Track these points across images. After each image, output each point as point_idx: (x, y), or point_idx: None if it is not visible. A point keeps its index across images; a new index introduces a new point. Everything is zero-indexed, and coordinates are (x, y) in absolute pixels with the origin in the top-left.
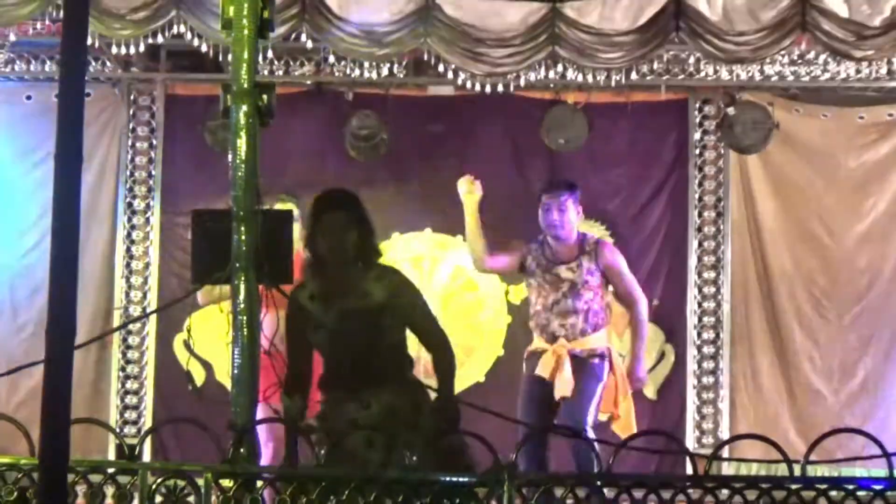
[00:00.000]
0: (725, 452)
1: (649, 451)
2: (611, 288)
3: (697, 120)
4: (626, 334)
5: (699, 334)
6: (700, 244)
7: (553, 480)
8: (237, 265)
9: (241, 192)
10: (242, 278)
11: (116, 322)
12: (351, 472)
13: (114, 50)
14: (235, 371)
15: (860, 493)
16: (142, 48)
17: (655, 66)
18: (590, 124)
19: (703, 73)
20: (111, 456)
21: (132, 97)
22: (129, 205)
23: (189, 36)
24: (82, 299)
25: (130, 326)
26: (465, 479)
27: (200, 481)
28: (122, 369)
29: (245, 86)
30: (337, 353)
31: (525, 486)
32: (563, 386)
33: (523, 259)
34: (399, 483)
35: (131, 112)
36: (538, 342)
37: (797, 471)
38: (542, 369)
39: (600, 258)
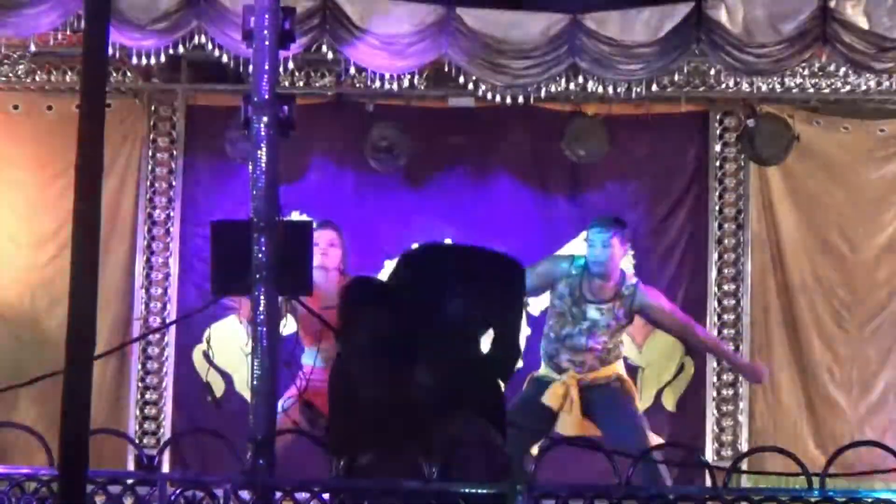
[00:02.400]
0: (744, 465)
1: (668, 463)
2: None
3: (718, 132)
4: (645, 346)
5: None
6: (720, 256)
7: (572, 492)
8: (257, 276)
9: (261, 202)
10: (262, 290)
11: (136, 333)
12: (371, 484)
13: (134, 60)
14: (255, 382)
15: None
16: (163, 59)
17: (676, 77)
18: (610, 136)
19: (723, 86)
20: (130, 467)
21: (153, 108)
22: (150, 215)
23: (210, 47)
24: (102, 310)
25: (150, 337)
26: (484, 490)
27: (219, 492)
28: (142, 380)
29: (266, 97)
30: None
31: (543, 497)
32: (570, 425)
33: (555, 278)
34: (419, 494)
35: (152, 123)
36: (545, 370)
37: (816, 483)
38: (550, 399)
39: (636, 301)
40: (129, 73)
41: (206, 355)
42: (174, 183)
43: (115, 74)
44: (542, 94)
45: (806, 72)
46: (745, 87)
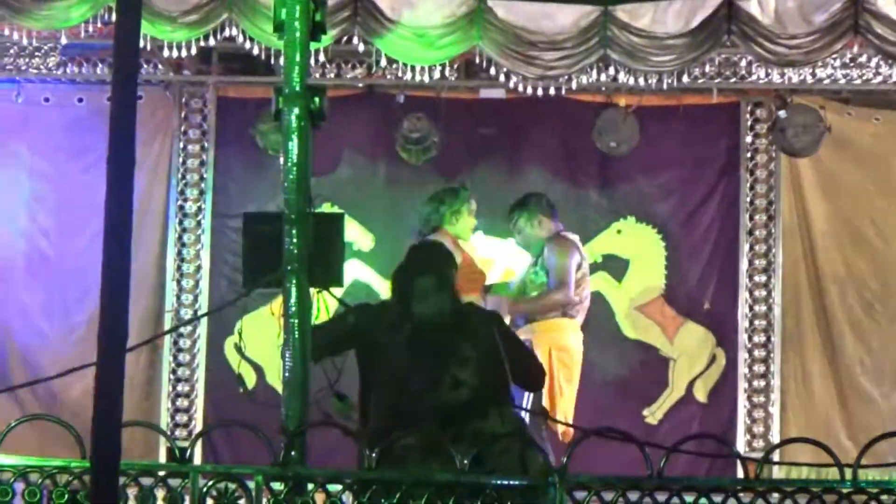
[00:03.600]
0: (776, 456)
1: (700, 454)
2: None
3: (749, 123)
4: (677, 337)
5: (750, 338)
6: (751, 247)
7: (604, 483)
8: (288, 268)
9: (293, 194)
10: (294, 281)
11: (167, 325)
12: (403, 475)
13: (165, 53)
14: (286, 374)
15: None
16: (193, 51)
17: (707, 69)
18: (641, 127)
19: (754, 77)
20: (162, 459)
21: (184, 100)
22: (181, 207)
23: (241, 39)
24: (133, 302)
25: (182, 329)
26: (517, 482)
27: (251, 484)
28: (173, 372)
29: (297, 88)
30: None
31: (576, 489)
32: None
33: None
34: (451, 486)
35: (183, 115)
36: None
37: (848, 475)
38: None
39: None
40: (160, 66)
41: (237, 347)
42: (205, 175)
43: (146, 66)
44: (574, 85)
45: (837, 62)
46: (776, 77)
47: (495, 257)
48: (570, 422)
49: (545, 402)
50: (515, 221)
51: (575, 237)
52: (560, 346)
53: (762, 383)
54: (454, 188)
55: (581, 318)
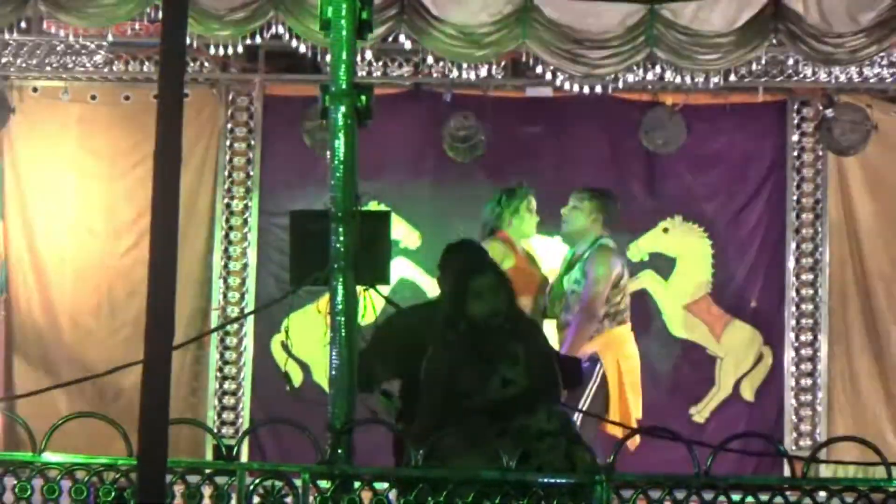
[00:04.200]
0: (823, 455)
1: (747, 452)
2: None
3: (795, 122)
4: (723, 336)
5: (797, 336)
6: (798, 246)
7: (651, 482)
8: (335, 266)
9: (340, 192)
10: (340, 279)
11: (214, 323)
12: (449, 473)
13: (212, 51)
14: (333, 372)
15: None
16: (240, 49)
17: (754, 67)
18: (688, 126)
19: (801, 75)
20: (208, 457)
21: (230, 98)
22: (227, 206)
23: (287, 37)
24: (180, 300)
25: (228, 327)
26: (563, 480)
27: (298, 482)
28: (220, 370)
29: (343, 87)
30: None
31: (622, 488)
32: None
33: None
34: (497, 484)
35: (229, 113)
36: None
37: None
38: None
39: (589, 262)
40: (206, 63)
41: (284, 345)
42: (252, 173)
43: (192, 64)
44: (620, 83)
45: (884, 61)
46: (822, 76)
47: (542, 256)
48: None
49: (616, 412)
50: (573, 207)
51: (614, 245)
52: (625, 354)
53: (809, 382)
54: (511, 187)
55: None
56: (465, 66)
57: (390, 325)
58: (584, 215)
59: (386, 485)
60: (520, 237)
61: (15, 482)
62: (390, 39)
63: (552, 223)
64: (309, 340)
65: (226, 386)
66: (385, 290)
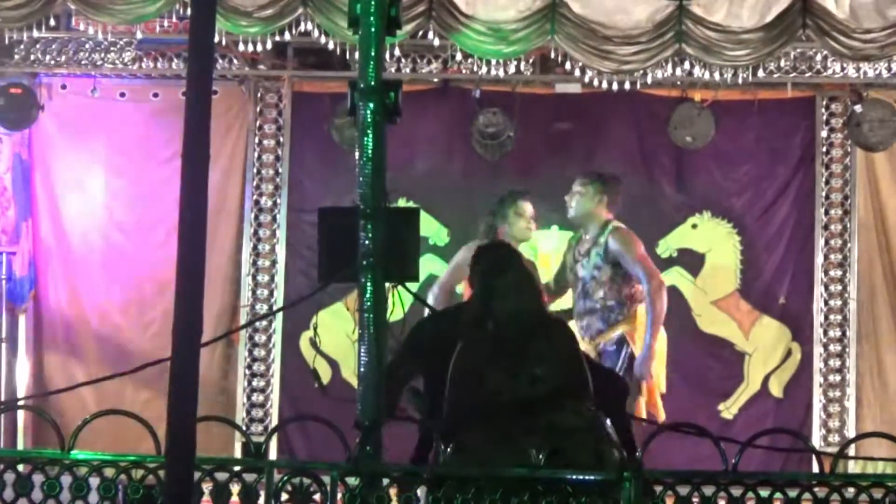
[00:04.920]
0: (852, 451)
1: (775, 449)
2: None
3: (824, 118)
4: (752, 332)
5: (825, 332)
6: (826, 242)
7: (679, 478)
8: (364, 263)
9: (368, 189)
10: (369, 276)
11: (243, 320)
12: (478, 470)
13: (241, 47)
14: (362, 369)
15: None
16: (269, 46)
17: (782, 63)
18: (716, 122)
19: (829, 71)
20: (237, 454)
21: (259, 95)
22: (256, 202)
23: (316, 33)
24: (208, 297)
25: (257, 324)
26: (591, 477)
27: (326, 479)
28: (249, 367)
29: (372, 83)
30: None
31: (650, 484)
32: None
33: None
34: (526, 481)
35: (258, 110)
36: None
37: None
38: None
39: (609, 246)
40: (235, 60)
41: (312, 342)
42: (280, 170)
43: (220, 61)
44: (649, 79)
45: None
46: (851, 72)
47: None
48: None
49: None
50: (577, 192)
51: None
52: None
53: (838, 378)
54: (503, 196)
55: None
56: (493, 62)
57: (420, 328)
58: (588, 199)
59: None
60: (515, 242)
61: (43, 479)
62: (419, 36)
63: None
64: (337, 337)
65: (255, 383)
66: (414, 286)
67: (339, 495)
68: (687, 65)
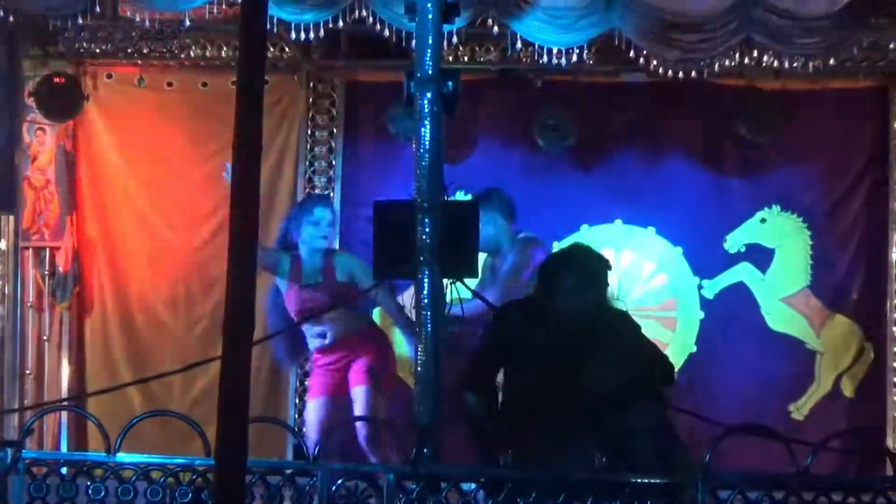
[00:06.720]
0: None
1: (848, 451)
2: None
3: None
4: (823, 330)
5: None
6: None
7: (749, 482)
8: (421, 258)
9: (425, 182)
10: (426, 272)
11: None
12: (539, 474)
13: (293, 36)
14: (419, 369)
15: None
16: (322, 34)
17: (854, 51)
18: (786, 113)
19: None
20: (289, 457)
21: (311, 85)
22: (309, 196)
23: (371, 21)
24: (260, 294)
25: None
26: (657, 481)
27: (382, 483)
28: (301, 366)
29: (429, 73)
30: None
31: (719, 488)
32: None
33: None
34: (588, 484)
35: (311, 100)
36: None
37: None
38: None
39: None
40: (286, 49)
41: None
42: (334, 163)
43: (272, 50)
44: (716, 68)
45: None
46: None
47: (634, 248)
48: None
49: None
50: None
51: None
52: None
53: None
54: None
55: None
56: (555, 51)
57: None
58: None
59: (474, 485)
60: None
61: (88, 483)
62: (477, 23)
63: (646, 214)
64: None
65: (307, 383)
66: (472, 283)
67: (396, 500)
68: (755, 53)
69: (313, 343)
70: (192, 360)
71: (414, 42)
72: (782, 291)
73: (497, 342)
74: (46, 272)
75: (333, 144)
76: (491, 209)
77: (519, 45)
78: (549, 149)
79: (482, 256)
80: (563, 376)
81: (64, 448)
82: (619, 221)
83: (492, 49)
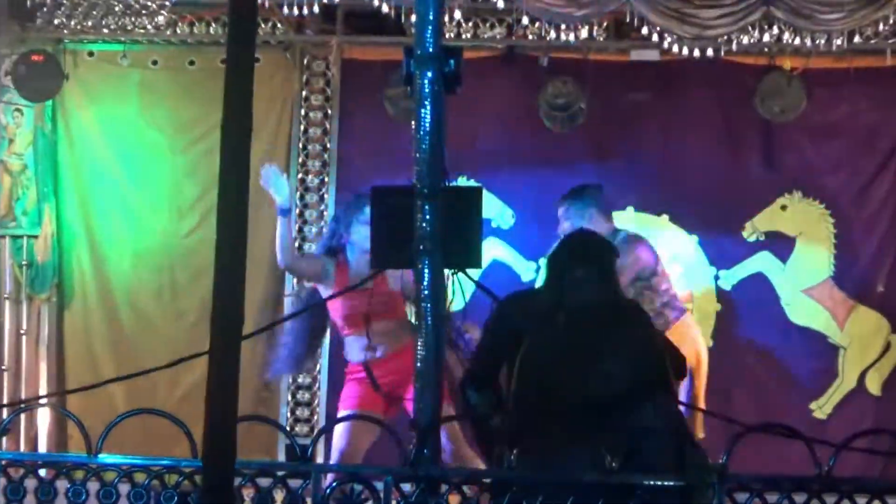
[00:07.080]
0: None
1: (873, 452)
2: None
3: None
4: (847, 323)
5: None
6: None
7: (768, 484)
8: (421, 248)
9: (425, 166)
10: (427, 262)
11: (287, 310)
12: (546, 475)
13: (285, 11)
14: (419, 364)
15: None
16: (316, 8)
17: (881, 28)
18: (808, 92)
19: None
20: (281, 457)
21: (305, 62)
22: (302, 181)
23: None
24: (250, 285)
25: None
26: (672, 482)
27: (379, 485)
28: (294, 379)
29: (430, 50)
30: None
31: (736, 490)
32: None
33: None
34: (598, 487)
35: (304, 79)
36: None
37: None
38: None
39: None
40: (279, 25)
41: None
42: (329, 145)
43: (263, 26)
44: (734, 46)
45: None
46: None
47: (647, 237)
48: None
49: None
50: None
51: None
52: (699, 344)
53: None
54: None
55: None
56: (563, 26)
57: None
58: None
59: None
60: None
61: (68, 486)
62: None
63: (659, 201)
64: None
65: (300, 380)
66: (476, 273)
67: (394, 503)
68: (775, 29)
69: (359, 356)
70: (179, 355)
71: (413, 17)
72: (804, 282)
73: (497, 337)
74: (24, 262)
75: (328, 126)
76: (586, 206)
77: (525, 20)
78: (557, 130)
79: None
80: (573, 371)
81: (42, 448)
82: (630, 208)
83: (496, 25)
